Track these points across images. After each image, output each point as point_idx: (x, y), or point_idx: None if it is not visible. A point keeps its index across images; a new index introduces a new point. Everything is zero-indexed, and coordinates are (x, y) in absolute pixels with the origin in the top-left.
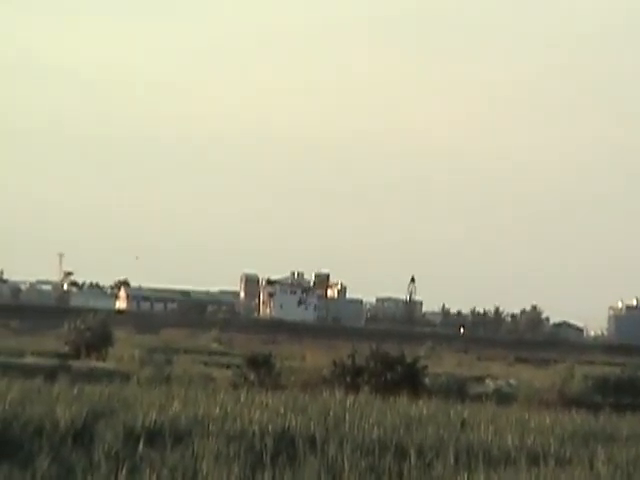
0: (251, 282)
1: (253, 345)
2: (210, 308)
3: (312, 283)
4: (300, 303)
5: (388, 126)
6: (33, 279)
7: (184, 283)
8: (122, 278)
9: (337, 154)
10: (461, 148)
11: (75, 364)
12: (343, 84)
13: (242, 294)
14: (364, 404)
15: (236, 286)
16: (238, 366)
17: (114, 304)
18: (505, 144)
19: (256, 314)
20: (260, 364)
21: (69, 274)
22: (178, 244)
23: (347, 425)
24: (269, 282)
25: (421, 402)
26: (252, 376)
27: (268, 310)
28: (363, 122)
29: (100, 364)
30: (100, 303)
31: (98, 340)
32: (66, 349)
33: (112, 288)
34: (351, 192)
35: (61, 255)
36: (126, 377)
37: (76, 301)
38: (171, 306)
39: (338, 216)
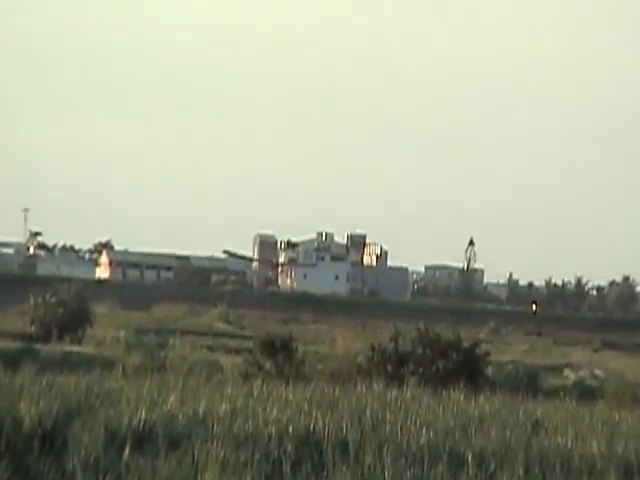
0: (267, 245)
1: (270, 325)
2: (215, 278)
3: (345, 247)
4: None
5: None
6: None
7: (182, 247)
8: (104, 240)
9: (375, 92)
10: (528, 89)
11: (44, 348)
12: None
13: (255, 261)
14: (410, 400)
15: (248, 250)
16: (250, 351)
17: (94, 272)
18: (586, 83)
19: (273, 286)
20: (278, 349)
21: (36, 234)
22: (174, 197)
23: (388, 427)
24: (290, 245)
25: (482, 398)
26: (268, 364)
27: (289, 281)
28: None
29: (76, 348)
30: (76, 271)
31: (73, 318)
32: (32, 329)
33: (91, 252)
34: (393, 136)
35: (26, 211)
36: (109, 365)
37: (45, 268)
38: (166, 275)
39: (377, 165)
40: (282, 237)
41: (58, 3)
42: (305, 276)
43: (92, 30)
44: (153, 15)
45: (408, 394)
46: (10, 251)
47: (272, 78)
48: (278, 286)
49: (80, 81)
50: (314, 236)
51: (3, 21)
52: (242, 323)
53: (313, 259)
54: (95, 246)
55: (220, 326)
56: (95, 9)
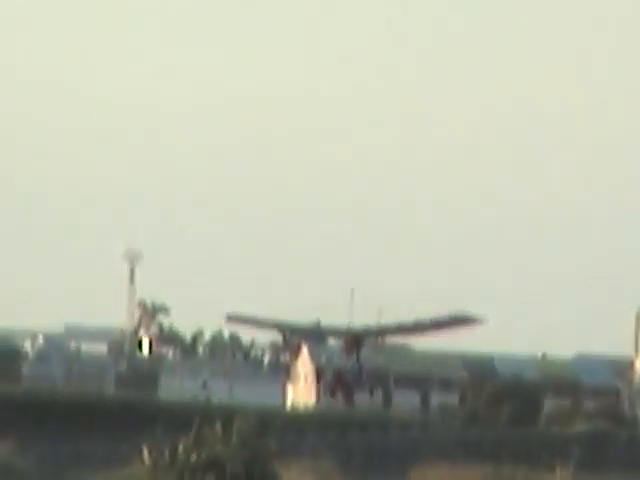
0: None
1: None
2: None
3: None
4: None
5: None
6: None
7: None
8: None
9: None
10: None
11: None
12: None
13: None
14: None
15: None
16: None
17: (280, 395)
18: None
19: None
20: None
21: (157, 311)
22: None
23: None
24: None
25: None
26: None
27: None
28: None
29: None
30: (243, 392)
31: None
32: None
33: (277, 351)
34: None
35: (134, 256)
36: None
37: (175, 387)
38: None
39: None
40: None
41: None
42: None
43: None
44: None
45: None
46: (102, 348)
47: None
48: None
49: None
50: None
51: None
52: None
53: None
54: (282, 333)
55: None
56: None
